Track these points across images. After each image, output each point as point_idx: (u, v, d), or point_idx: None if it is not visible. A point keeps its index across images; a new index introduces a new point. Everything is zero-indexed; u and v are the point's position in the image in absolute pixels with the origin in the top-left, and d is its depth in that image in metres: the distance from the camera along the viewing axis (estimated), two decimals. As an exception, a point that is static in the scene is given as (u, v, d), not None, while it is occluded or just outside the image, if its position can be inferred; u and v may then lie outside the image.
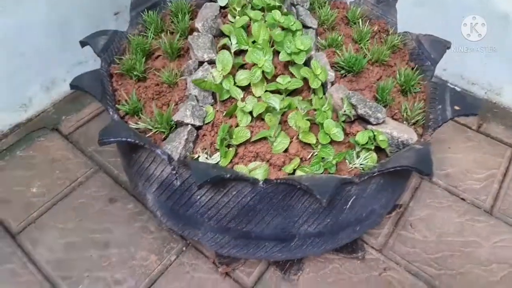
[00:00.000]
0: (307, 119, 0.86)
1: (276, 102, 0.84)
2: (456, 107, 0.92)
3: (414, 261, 1.05)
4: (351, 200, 0.83)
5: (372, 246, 1.08)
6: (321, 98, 0.93)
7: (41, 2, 1.25)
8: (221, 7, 1.23)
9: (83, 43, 1.10)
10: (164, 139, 0.90)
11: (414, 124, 0.95)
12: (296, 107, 0.87)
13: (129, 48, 1.14)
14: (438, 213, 1.13)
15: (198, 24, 1.09)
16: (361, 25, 1.16)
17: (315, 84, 0.91)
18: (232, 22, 1.13)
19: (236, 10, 1.14)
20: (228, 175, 0.73)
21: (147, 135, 0.90)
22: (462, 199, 1.17)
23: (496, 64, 1.33)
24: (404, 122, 0.95)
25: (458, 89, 1.45)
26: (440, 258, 1.05)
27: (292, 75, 0.96)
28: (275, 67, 0.98)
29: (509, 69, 1.31)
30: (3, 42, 1.19)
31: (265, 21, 1.05)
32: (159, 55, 1.11)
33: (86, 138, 1.30)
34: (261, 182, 0.77)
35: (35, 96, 1.34)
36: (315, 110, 0.87)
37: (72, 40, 1.38)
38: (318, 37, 1.11)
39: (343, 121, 0.91)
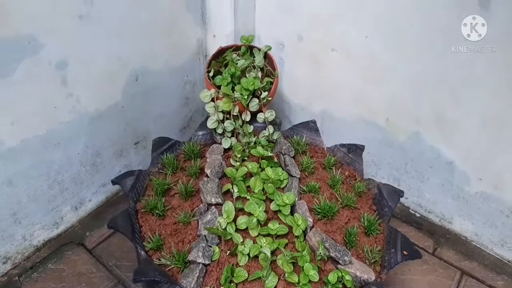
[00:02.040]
0: (291, 262, 1.13)
1: (267, 251, 1.12)
2: (405, 252, 1.20)
3: None
4: (324, 330, 1.07)
5: None
6: (302, 242, 1.20)
7: (81, 139, 1.55)
8: (224, 149, 1.56)
9: (114, 183, 1.40)
10: (181, 271, 1.16)
11: (374, 263, 1.22)
12: (283, 252, 1.15)
13: (150, 185, 1.43)
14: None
15: (207, 171, 1.39)
16: (334, 172, 1.47)
17: (297, 232, 1.19)
18: (234, 166, 1.44)
19: (237, 157, 1.46)
20: (231, 313, 0.99)
21: (167, 268, 1.15)
22: (418, 318, 1.41)
23: (447, 198, 1.64)
24: (366, 261, 1.22)
25: (418, 215, 1.75)
26: None
27: (280, 220, 1.25)
28: (267, 212, 1.27)
29: (457, 204, 1.62)
30: (48, 174, 1.48)
31: (261, 169, 1.37)
32: (176, 193, 1.39)
33: (107, 253, 1.54)
34: (255, 317, 1.02)
35: (66, 215, 1.59)
36: (297, 256, 1.14)
37: (99, 166, 1.68)
38: (301, 183, 1.42)
39: (319, 260, 1.18)
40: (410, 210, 1.77)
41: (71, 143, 1.52)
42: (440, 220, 1.70)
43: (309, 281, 1.11)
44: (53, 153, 1.47)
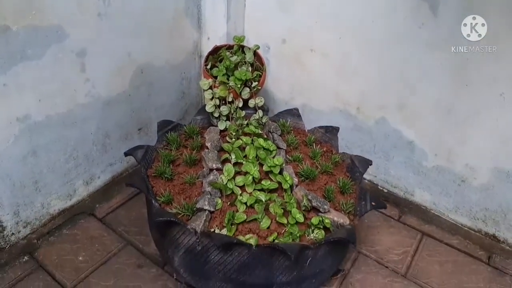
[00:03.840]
0: (281, 208, 1.38)
1: (262, 197, 1.36)
2: (373, 203, 1.47)
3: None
4: (308, 260, 1.31)
5: (324, 300, 1.54)
6: (290, 194, 1.45)
7: (94, 120, 1.77)
8: (220, 130, 1.80)
9: (126, 154, 1.62)
10: (188, 219, 1.38)
11: (348, 213, 1.47)
12: (275, 200, 1.39)
13: (158, 157, 1.65)
14: (369, 276, 1.61)
15: (207, 144, 1.63)
16: (314, 147, 1.74)
17: (285, 186, 1.44)
18: (230, 142, 1.69)
19: (232, 135, 1.71)
20: (235, 241, 1.22)
21: (178, 217, 1.38)
22: (386, 267, 1.66)
23: (409, 173, 1.93)
24: (342, 211, 1.48)
25: (385, 190, 2.03)
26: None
27: (271, 180, 1.50)
28: (260, 174, 1.51)
29: (417, 178, 1.91)
30: (65, 150, 1.68)
31: (253, 144, 1.62)
32: (180, 163, 1.62)
33: (116, 221, 1.74)
34: (254, 246, 1.25)
35: (78, 189, 1.79)
36: (286, 202, 1.38)
37: (108, 147, 1.89)
38: (287, 155, 1.67)
39: (304, 210, 1.43)
40: (379, 187, 2.05)
41: (86, 123, 1.74)
42: (404, 193, 1.98)
43: (296, 222, 1.36)
44: (70, 131, 1.69)
